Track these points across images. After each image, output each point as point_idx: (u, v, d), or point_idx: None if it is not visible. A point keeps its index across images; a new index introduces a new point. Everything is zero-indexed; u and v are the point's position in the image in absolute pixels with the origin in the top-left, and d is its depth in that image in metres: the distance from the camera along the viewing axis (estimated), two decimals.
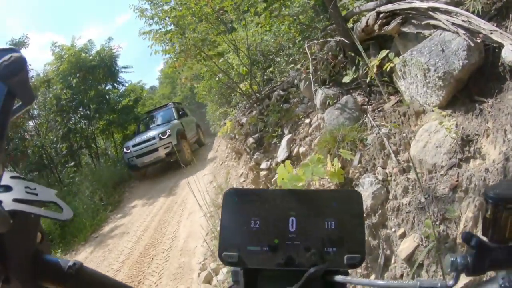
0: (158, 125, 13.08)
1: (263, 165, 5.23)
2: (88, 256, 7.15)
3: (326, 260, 0.58)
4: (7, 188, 0.47)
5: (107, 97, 16.23)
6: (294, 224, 0.60)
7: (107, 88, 16.71)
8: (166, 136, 11.33)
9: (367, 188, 2.49)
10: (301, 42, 5.84)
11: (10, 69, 0.39)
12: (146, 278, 5.35)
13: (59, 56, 14.48)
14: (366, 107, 3.73)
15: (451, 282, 0.48)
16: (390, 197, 2.45)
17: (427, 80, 2.58)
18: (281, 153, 4.49)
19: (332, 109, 3.60)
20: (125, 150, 11.87)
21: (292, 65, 7.64)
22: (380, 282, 0.52)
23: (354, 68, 4.19)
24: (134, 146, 11.61)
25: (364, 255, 0.59)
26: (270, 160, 5.17)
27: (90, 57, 15.28)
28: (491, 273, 0.52)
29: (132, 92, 18.24)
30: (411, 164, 2.37)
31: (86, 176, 11.64)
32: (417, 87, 2.76)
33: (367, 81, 4.00)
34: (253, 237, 0.60)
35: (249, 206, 0.63)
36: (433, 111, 2.54)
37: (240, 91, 7.72)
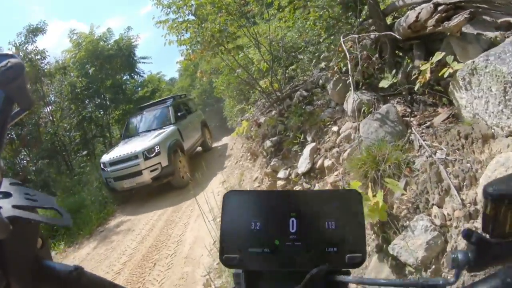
0: (148, 130, 9.91)
1: (281, 173, 4.68)
2: (90, 252, 6.75)
3: (327, 260, 0.56)
4: (7, 195, 0.47)
5: (124, 87, 15.96)
6: (295, 225, 0.59)
7: (124, 78, 16.47)
8: (154, 154, 8.29)
9: (419, 235, 1.89)
10: (331, 37, 5.23)
11: (8, 75, 0.39)
12: (146, 287, 4.91)
13: (77, 43, 14.32)
14: (409, 119, 3.13)
15: (452, 279, 0.48)
16: (448, 248, 1.85)
17: (507, 97, 1.95)
18: (303, 164, 3.93)
19: (369, 119, 3.00)
20: (102, 166, 8.92)
21: (316, 63, 7.12)
22: (382, 280, 0.52)
23: (394, 71, 3.57)
24: (111, 164, 8.55)
25: (365, 255, 0.57)
26: (289, 169, 4.61)
27: (108, 46, 15.08)
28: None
29: (149, 83, 17.94)
30: (479, 207, 1.76)
31: (98, 166, 11.33)
32: (487, 104, 2.13)
33: (408, 88, 3.40)
34: (254, 239, 0.59)
35: (249, 208, 0.62)
36: (507, 137, 1.92)
37: (259, 89, 7.17)
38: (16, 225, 0.42)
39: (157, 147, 8.38)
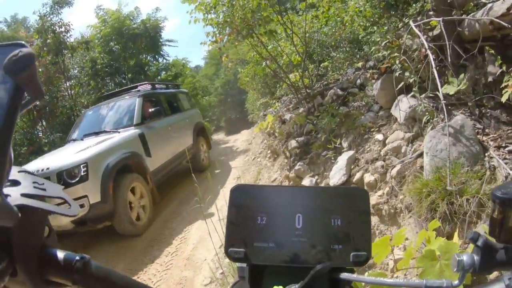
0: (97, 133, 6.09)
1: (306, 181, 4.09)
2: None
3: (332, 258, 0.57)
4: (15, 183, 0.48)
5: (146, 68, 15.61)
6: (301, 221, 0.59)
7: (147, 59, 16.11)
8: (76, 180, 4.50)
9: None
10: (375, 29, 4.57)
11: (18, 64, 0.39)
12: None
13: (103, 20, 14.09)
14: (481, 138, 2.49)
15: (456, 282, 0.47)
16: None
17: None
18: (336, 175, 3.32)
19: (439, 132, 2.37)
20: None
21: (351, 62, 6.53)
22: (386, 280, 0.51)
23: (464, 75, 2.92)
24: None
25: (370, 253, 0.57)
26: (317, 177, 4.02)
27: (135, 25, 14.79)
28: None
29: (173, 67, 17.56)
30: None
31: None
32: None
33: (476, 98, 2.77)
34: (259, 234, 0.59)
35: (256, 203, 0.61)
36: None
37: (289, 82, 6.58)
38: (24, 214, 0.42)
39: (83, 168, 4.54)
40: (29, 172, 0.52)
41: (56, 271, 0.48)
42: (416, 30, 2.78)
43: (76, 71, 13.50)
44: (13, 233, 0.44)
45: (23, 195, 0.45)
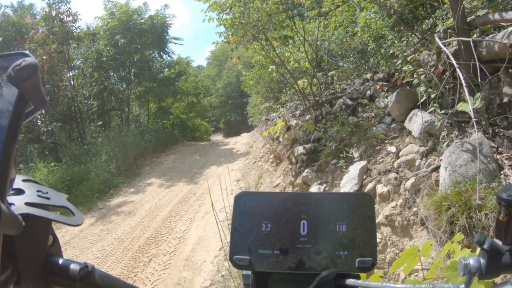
0: None
1: (314, 188, 4.12)
2: (84, 230, 6.24)
3: (337, 264, 0.56)
4: (19, 192, 0.47)
5: (151, 64, 15.58)
6: (306, 227, 0.59)
7: (152, 55, 16.11)
8: None
9: None
10: (398, 39, 4.63)
11: (22, 73, 0.39)
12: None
13: (111, 12, 14.04)
14: (495, 156, 2.55)
15: (462, 286, 0.46)
16: None
17: None
18: (348, 184, 3.35)
19: (458, 148, 2.42)
20: None
21: (360, 72, 6.60)
22: (393, 285, 0.50)
23: (478, 94, 2.99)
24: None
25: (376, 259, 0.57)
26: (325, 185, 4.05)
27: (142, 20, 14.77)
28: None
29: (177, 64, 17.57)
30: None
31: (110, 140, 10.95)
32: None
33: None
34: (264, 241, 0.59)
35: (261, 210, 0.61)
36: None
37: (297, 88, 6.61)
38: (29, 222, 0.42)
39: None
40: (33, 181, 0.51)
41: (60, 280, 0.48)
42: (444, 48, 2.84)
43: (80, 61, 13.39)
44: (17, 242, 0.44)
45: (27, 204, 0.45)
